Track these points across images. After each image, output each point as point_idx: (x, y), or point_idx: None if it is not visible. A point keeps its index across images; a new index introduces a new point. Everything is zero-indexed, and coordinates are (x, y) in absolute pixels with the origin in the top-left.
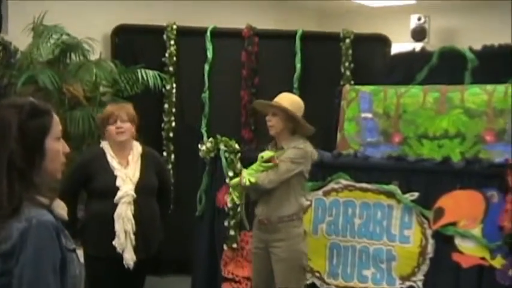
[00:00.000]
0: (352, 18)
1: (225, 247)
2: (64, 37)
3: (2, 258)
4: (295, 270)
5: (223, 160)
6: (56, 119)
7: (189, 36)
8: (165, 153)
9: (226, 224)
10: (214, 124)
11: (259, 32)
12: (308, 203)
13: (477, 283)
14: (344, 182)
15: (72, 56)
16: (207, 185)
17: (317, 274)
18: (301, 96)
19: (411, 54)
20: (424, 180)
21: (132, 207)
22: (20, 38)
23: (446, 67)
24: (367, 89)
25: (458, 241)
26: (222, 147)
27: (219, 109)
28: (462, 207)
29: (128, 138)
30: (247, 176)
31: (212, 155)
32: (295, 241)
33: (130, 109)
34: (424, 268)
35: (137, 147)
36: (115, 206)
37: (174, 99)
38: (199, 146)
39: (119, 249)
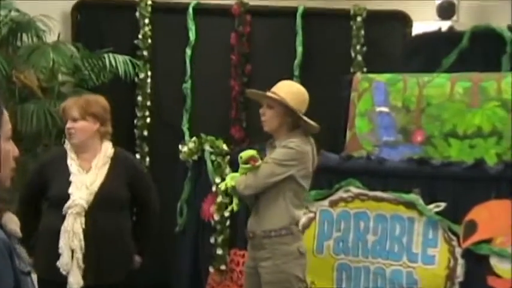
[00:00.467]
0: None
1: (211, 269)
2: (13, 14)
3: None
4: None
5: (209, 164)
6: (5, 115)
7: (167, 13)
8: (138, 156)
9: (212, 241)
10: (198, 120)
11: (252, 9)
12: (311, 215)
13: None
14: (355, 190)
15: (24, 37)
16: (189, 193)
17: None
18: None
19: (436, 36)
20: (452, 187)
21: (83, 220)
22: None
23: (479, 51)
24: (382, 77)
25: (494, 261)
26: (207, 148)
27: (203, 102)
28: (499, 220)
29: (82, 140)
30: (229, 179)
31: (195, 157)
32: (283, 261)
33: (91, 103)
34: None
35: (107, 150)
36: (63, 218)
37: (148, 90)
38: (180, 146)
39: (62, 271)
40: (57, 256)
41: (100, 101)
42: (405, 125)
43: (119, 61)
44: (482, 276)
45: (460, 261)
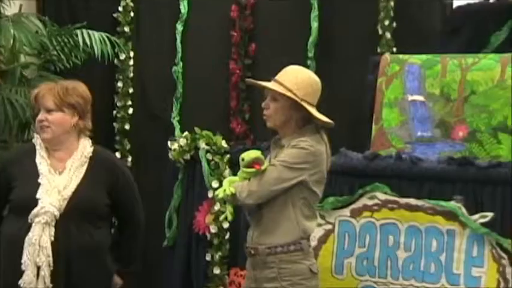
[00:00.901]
0: None
1: None
2: None
3: None
4: None
5: (205, 164)
6: None
7: None
8: (118, 154)
9: (208, 258)
10: (191, 112)
11: None
12: (329, 227)
13: None
14: (382, 196)
15: None
16: (180, 200)
17: None
18: (318, 71)
19: (483, 7)
20: (502, 194)
21: (52, 231)
22: None
23: None
24: (416, 59)
25: None
26: (202, 145)
27: (197, 89)
28: None
29: (56, 135)
30: (227, 184)
31: (188, 156)
32: (291, 282)
33: (69, 91)
34: None
35: (85, 148)
36: (28, 227)
37: (131, 74)
38: (169, 143)
39: None
40: (20, 273)
41: (80, 90)
42: (444, 117)
43: (95, 39)
44: None
45: None
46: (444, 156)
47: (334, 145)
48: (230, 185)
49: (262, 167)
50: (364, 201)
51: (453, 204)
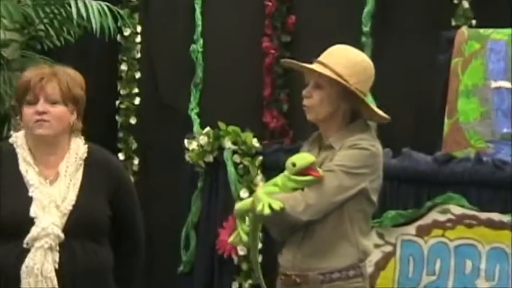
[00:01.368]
0: None
1: None
2: None
3: None
4: None
5: (231, 169)
6: None
7: None
8: (121, 156)
9: (235, 286)
10: (213, 102)
11: None
12: (388, 248)
13: None
14: (457, 210)
15: None
16: (199, 215)
17: None
18: (376, 50)
19: None
20: None
21: (56, 256)
22: None
23: None
24: (502, 34)
25: None
26: (228, 144)
27: (221, 74)
28: None
29: (56, 133)
30: (266, 197)
31: (210, 159)
32: None
33: (71, 77)
34: None
35: (78, 148)
36: (24, 253)
37: (138, 55)
38: (186, 142)
39: None
40: None
41: (79, 79)
42: None
43: (92, 9)
44: None
45: None
46: None
47: (395, 145)
48: (270, 196)
49: (320, 174)
50: (434, 216)
51: None
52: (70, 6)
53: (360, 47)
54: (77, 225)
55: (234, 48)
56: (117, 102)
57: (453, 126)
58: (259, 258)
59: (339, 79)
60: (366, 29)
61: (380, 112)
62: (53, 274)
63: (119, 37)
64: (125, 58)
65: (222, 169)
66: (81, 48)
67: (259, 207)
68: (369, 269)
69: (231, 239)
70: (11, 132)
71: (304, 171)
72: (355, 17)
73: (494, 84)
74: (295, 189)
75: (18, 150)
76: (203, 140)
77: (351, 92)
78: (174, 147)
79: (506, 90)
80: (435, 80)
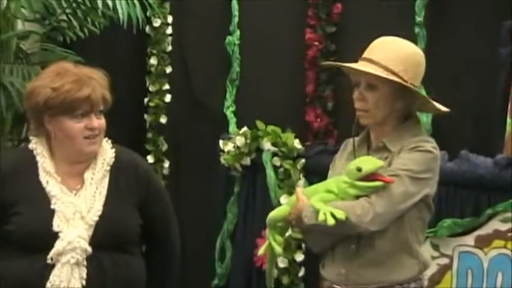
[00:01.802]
0: None
1: None
2: None
3: None
4: None
5: (270, 172)
6: None
7: None
8: (150, 159)
9: None
10: (251, 99)
11: None
12: (444, 261)
13: None
14: None
15: None
16: (236, 223)
17: None
18: (429, 42)
19: None
20: None
21: (84, 272)
22: None
23: None
24: None
25: None
26: (267, 146)
27: (260, 68)
28: None
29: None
30: (324, 205)
31: (247, 161)
32: None
33: (104, 81)
34: None
35: (106, 152)
36: (49, 269)
37: (168, 47)
38: (221, 144)
39: None
40: None
41: (107, 81)
42: None
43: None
44: None
45: None
46: None
47: (452, 147)
48: (327, 204)
49: (388, 179)
50: (495, 225)
51: None
52: None
53: (413, 38)
54: (105, 237)
55: (274, 40)
56: (146, 99)
57: None
58: (302, 271)
59: (395, 78)
60: (419, 19)
61: (441, 107)
62: None
63: (147, 28)
64: (154, 51)
65: (261, 173)
66: (106, 40)
67: (321, 217)
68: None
69: (260, 251)
70: (30, 136)
71: (371, 176)
72: (408, 6)
73: None
74: (357, 196)
75: (38, 158)
76: (240, 140)
77: (406, 89)
78: (208, 148)
79: None
80: (495, 76)
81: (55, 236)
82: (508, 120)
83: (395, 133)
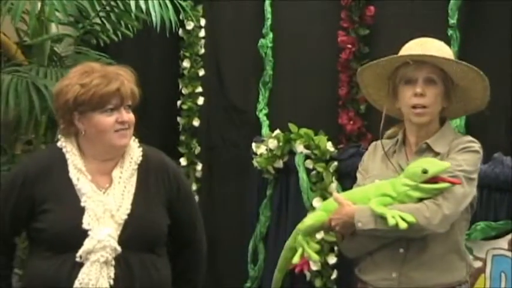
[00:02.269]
0: None
1: None
2: None
3: None
4: None
5: (303, 175)
6: None
7: None
8: (183, 161)
9: None
10: (284, 102)
11: None
12: (478, 264)
13: None
14: None
15: None
16: (268, 225)
17: None
18: (463, 44)
19: None
20: None
21: (112, 272)
22: None
23: None
24: None
25: None
26: (299, 148)
27: (292, 71)
28: None
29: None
30: (387, 209)
31: (280, 164)
32: None
33: (132, 76)
34: None
35: (133, 151)
36: (77, 267)
37: (201, 50)
38: (254, 146)
39: None
40: None
41: (134, 76)
42: None
43: (152, 2)
44: None
45: None
46: None
47: (486, 149)
48: (385, 205)
49: (453, 180)
50: None
51: None
52: None
53: (447, 40)
54: (133, 236)
55: (307, 43)
56: (179, 102)
57: None
58: (334, 274)
59: (477, 69)
60: (452, 21)
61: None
62: None
63: (181, 31)
64: (187, 54)
65: (293, 176)
66: (139, 43)
67: (391, 221)
68: None
69: (295, 259)
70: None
71: (433, 178)
72: (441, 8)
73: None
74: (420, 199)
75: (68, 156)
76: (272, 143)
77: (452, 90)
78: (240, 151)
79: None
80: None
81: (84, 234)
82: None
83: (439, 134)
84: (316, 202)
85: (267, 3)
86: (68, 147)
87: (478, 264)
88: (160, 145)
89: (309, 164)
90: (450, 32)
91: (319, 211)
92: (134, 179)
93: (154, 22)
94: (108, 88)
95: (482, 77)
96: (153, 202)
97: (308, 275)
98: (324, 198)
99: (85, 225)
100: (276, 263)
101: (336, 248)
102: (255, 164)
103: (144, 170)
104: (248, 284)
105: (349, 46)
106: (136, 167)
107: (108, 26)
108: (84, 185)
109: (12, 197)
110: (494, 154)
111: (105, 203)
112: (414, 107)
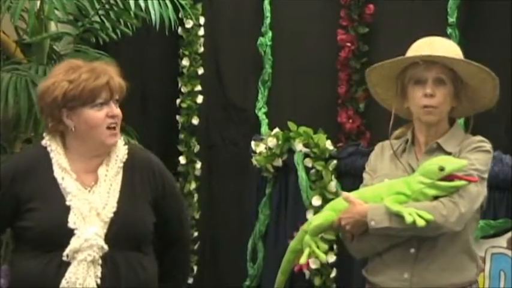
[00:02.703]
0: None
1: None
2: None
3: None
4: None
5: (302, 174)
6: None
7: None
8: (182, 160)
9: None
10: (283, 100)
11: None
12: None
13: None
14: None
15: None
16: (267, 224)
17: None
18: (462, 43)
19: None
20: None
21: (99, 270)
22: None
23: None
24: None
25: None
26: (298, 147)
27: (291, 70)
28: None
29: None
30: (401, 207)
31: (279, 163)
32: None
33: (116, 69)
34: None
35: (119, 149)
36: (64, 266)
37: (201, 49)
38: (253, 145)
39: None
40: None
41: (117, 69)
42: None
43: (152, 1)
44: None
45: None
46: None
47: None
48: (401, 204)
49: (475, 177)
50: None
51: None
52: None
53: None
54: (120, 235)
55: (306, 41)
56: (178, 100)
57: None
58: (333, 273)
59: (487, 69)
60: (452, 19)
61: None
62: None
63: (180, 30)
64: (186, 52)
65: (292, 174)
66: (139, 42)
67: (408, 219)
68: None
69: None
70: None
71: (452, 176)
72: (440, 7)
73: None
74: (435, 197)
75: (52, 154)
76: (272, 142)
77: (460, 89)
78: (240, 150)
79: None
80: None
81: (70, 232)
82: None
83: (449, 134)
84: (316, 200)
85: (266, 1)
86: (52, 145)
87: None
88: (160, 143)
89: (308, 162)
90: (449, 30)
91: (327, 211)
92: (120, 177)
93: (154, 20)
94: (98, 82)
95: (492, 76)
96: (138, 200)
97: (307, 273)
98: (323, 196)
99: (71, 224)
100: (275, 261)
101: (335, 247)
102: (254, 162)
103: (129, 168)
104: (247, 282)
105: (349, 44)
106: (121, 165)
107: (107, 24)
108: (69, 183)
109: None
110: (494, 153)
111: (91, 201)
112: (424, 107)
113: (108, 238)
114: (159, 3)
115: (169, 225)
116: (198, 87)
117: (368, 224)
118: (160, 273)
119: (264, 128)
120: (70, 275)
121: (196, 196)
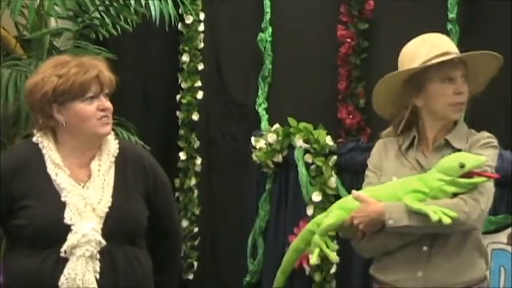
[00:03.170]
0: None
1: None
2: None
3: None
4: None
5: (302, 169)
6: None
7: None
8: (182, 156)
9: None
10: (283, 96)
11: None
12: None
13: None
14: None
15: None
16: (267, 219)
17: None
18: (463, 39)
19: None
20: None
21: (97, 265)
22: None
23: None
24: None
25: None
26: (299, 143)
27: (292, 66)
28: None
29: None
30: (422, 205)
31: (279, 158)
32: None
33: (105, 63)
34: None
35: (110, 143)
36: (61, 263)
37: (201, 44)
38: (253, 140)
39: None
40: None
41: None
42: None
43: None
44: None
45: None
46: None
47: None
48: (420, 202)
49: (494, 173)
50: None
51: None
52: None
53: (446, 35)
54: (115, 229)
55: (306, 37)
56: (178, 96)
57: None
58: (333, 268)
59: (499, 55)
60: (452, 15)
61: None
62: (94, 285)
63: (180, 25)
64: (186, 48)
65: (293, 170)
66: (139, 37)
67: (434, 217)
68: None
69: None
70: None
71: (471, 172)
72: (440, 2)
73: None
74: (454, 194)
75: (44, 151)
76: (272, 137)
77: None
78: (240, 145)
79: None
80: None
81: (67, 228)
82: None
83: (456, 130)
84: (316, 196)
85: None
86: (44, 142)
87: None
88: (160, 139)
89: (308, 158)
90: (449, 26)
91: (337, 210)
92: (112, 171)
93: (154, 16)
94: (87, 76)
95: (499, 59)
96: (132, 194)
97: (307, 269)
98: (323, 192)
99: (67, 220)
100: (276, 257)
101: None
102: (254, 158)
103: (121, 163)
104: (247, 278)
105: (349, 40)
106: (113, 159)
107: (107, 20)
108: (62, 179)
109: None
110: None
111: (86, 196)
112: (456, 104)
113: (104, 233)
114: None
115: (161, 218)
116: (198, 83)
117: (385, 223)
118: (155, 266)
119: (264, 124)
120: (69, 271)
121: (196, 192)
